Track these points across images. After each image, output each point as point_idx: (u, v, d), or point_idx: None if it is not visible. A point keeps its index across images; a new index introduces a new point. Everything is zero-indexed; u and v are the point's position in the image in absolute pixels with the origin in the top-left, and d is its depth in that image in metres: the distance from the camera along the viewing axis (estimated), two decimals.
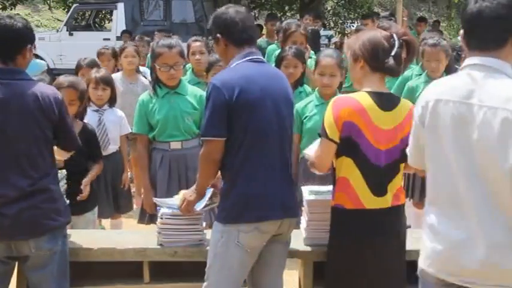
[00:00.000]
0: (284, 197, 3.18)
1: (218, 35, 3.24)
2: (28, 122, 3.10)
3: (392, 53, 3.06)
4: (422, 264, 2.60)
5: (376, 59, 3.08)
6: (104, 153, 4.96)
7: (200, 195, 3.28)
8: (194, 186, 3.29)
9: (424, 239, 2.58)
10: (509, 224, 2.35)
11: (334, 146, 3.07)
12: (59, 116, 3.17)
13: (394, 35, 3.10)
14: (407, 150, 2.79)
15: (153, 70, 4.37)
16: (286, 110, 3.25)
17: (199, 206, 3.32)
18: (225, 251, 3.13)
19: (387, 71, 3.09)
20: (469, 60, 2.45)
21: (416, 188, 5.29)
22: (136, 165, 4.84)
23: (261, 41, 9.74)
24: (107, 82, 5.07)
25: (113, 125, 5.11)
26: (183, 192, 3.40)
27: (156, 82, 4.33)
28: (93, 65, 5.72)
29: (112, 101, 5.15)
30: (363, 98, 3.08)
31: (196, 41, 6.05)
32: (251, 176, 3.11)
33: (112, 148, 5.11)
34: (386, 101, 3.10)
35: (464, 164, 2.38)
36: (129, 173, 5.42)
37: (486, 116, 2.33)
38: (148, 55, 6.92)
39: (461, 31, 2.51)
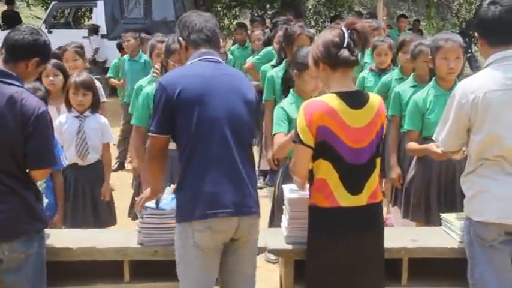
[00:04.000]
0: (236, 195, 3.12)
1: (180, 38, 3.32)
2: None
3: (344, 45, 3.10)
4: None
5: (330, 56, 3.12)
6: (83, 162, 4.71)
7: (154, 192, 3.32)
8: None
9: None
10: None
11: (309, 151, 3.11)
12: (33, 130, 3.10)
13: (343, 28, 3.13)
14: (440, 138, 3.29)
15: (163, 66, 4.31)
16: (242, 108, 3.21)
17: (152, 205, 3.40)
18: (185, 253, 3.15)
19: (343, 63, 3.12)
20: (503, 54, 3.06)
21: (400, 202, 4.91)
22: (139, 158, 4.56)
23: (233, 48, 9.97)
24: (88, 87, 4.72)
25: (94, 133, 4.76)
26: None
27: None
28: (59, 67, 5.21)
29: (94, 107, 4.80)
30: (331, 99, 3.11)
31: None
32: (198, 173, 3.11)
33: (92, 157, 4.77)
34: (355, 100, 3.14)
35: None
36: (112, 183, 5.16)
37: None
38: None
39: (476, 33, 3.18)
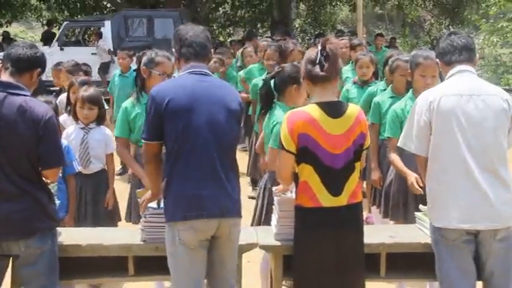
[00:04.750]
0: (217, 198, 3.10)
1: (173, 50, 3.33)
2: (11, 132, 3.06)
3: (317, 61, 3.13)
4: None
5: (307, 71, 3.17)
6: (86, 171, 4.56)
7: (154, 194, 3.29)
8: None
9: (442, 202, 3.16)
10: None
11: (291, 156, 3.12)
12: (43, 134, 3.11)
13: (318, 46, 3.16)
14: (412, 146, 3.28)
15: (140, 77, 4.23)
16: (223, 116, 3.17)
17: (154, 205, 3.36)
18: (174, 250, 3.13)
19: (314, 78, 3.14)
20: (457, 68, 3.27)
21: (379, 202, 4.89)
22: (127, 161, 4.50)
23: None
24: (94, 101, 4.61)
25: (98, 144, 4.61)
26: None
27: (141, 89, 4.24)
28: (84, 84, 5.19)
29: (100, 119, 4.66)
30: (312, 110, 3.12)
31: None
32: (183, 176, 3.09)
33: (95, 167, 4.60)
34: (334, 109, 3.15)
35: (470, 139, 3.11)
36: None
37: (484, 101, 3.15)
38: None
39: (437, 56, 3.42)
